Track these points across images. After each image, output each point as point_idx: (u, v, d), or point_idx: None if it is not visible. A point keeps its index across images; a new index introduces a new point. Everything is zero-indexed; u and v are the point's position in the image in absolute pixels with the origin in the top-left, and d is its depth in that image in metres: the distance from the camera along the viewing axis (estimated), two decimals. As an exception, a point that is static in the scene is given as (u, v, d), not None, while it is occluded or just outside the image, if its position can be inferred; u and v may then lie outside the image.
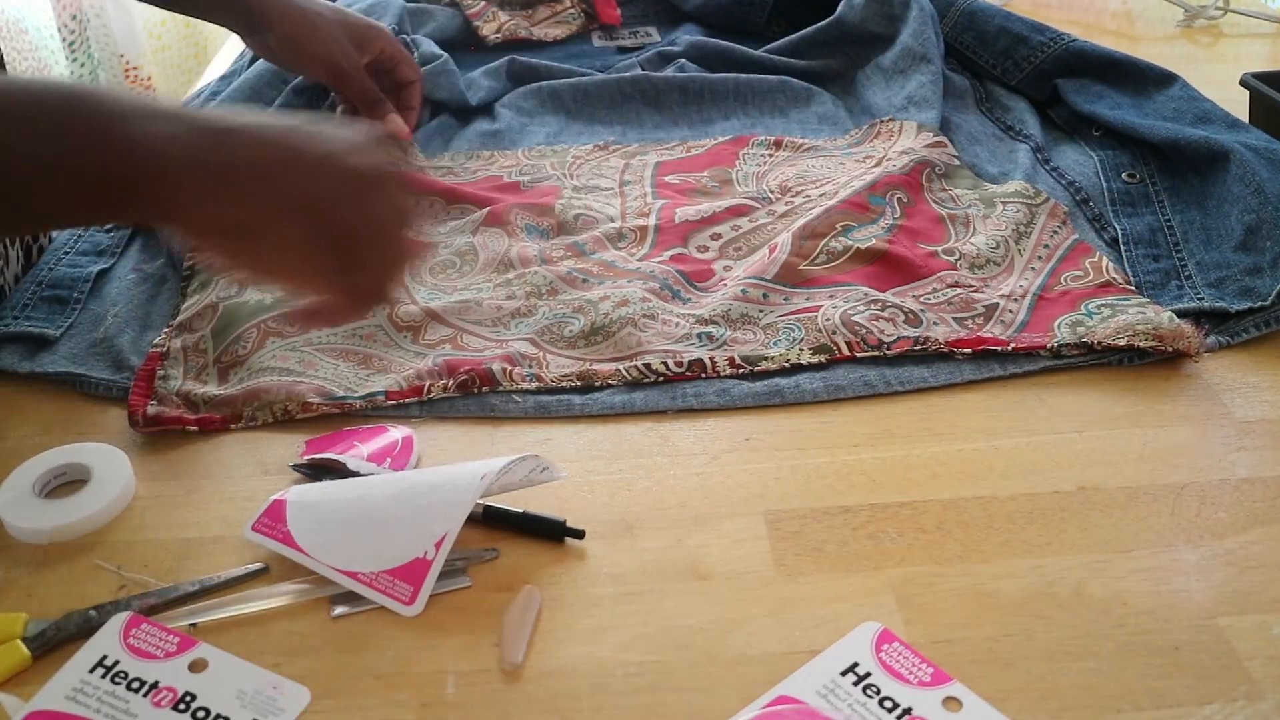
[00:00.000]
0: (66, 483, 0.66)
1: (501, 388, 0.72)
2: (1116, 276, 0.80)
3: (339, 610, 0.57)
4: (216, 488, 0.66)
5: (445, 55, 1.10)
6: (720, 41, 1.17)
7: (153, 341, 0.78)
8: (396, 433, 0.69)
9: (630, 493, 0.65)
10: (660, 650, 0.55)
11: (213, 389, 0.73)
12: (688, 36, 1.19)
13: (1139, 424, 0.69)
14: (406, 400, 0.72)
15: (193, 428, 0.71)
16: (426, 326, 0.78)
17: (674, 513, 0.63)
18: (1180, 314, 0.77)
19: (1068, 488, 0.64)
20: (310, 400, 0.72)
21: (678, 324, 0.77)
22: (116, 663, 0.54)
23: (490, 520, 0.62)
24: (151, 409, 0.71)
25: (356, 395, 0.72)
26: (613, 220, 0.90)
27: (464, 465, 0.62)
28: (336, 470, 0.65)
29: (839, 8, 1.14)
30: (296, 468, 0.66)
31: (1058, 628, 0.56)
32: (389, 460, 0.66)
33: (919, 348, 0.74)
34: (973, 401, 0.72)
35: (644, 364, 0.74)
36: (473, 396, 0.72)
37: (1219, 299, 0.78)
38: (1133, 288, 0.80)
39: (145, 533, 0.63)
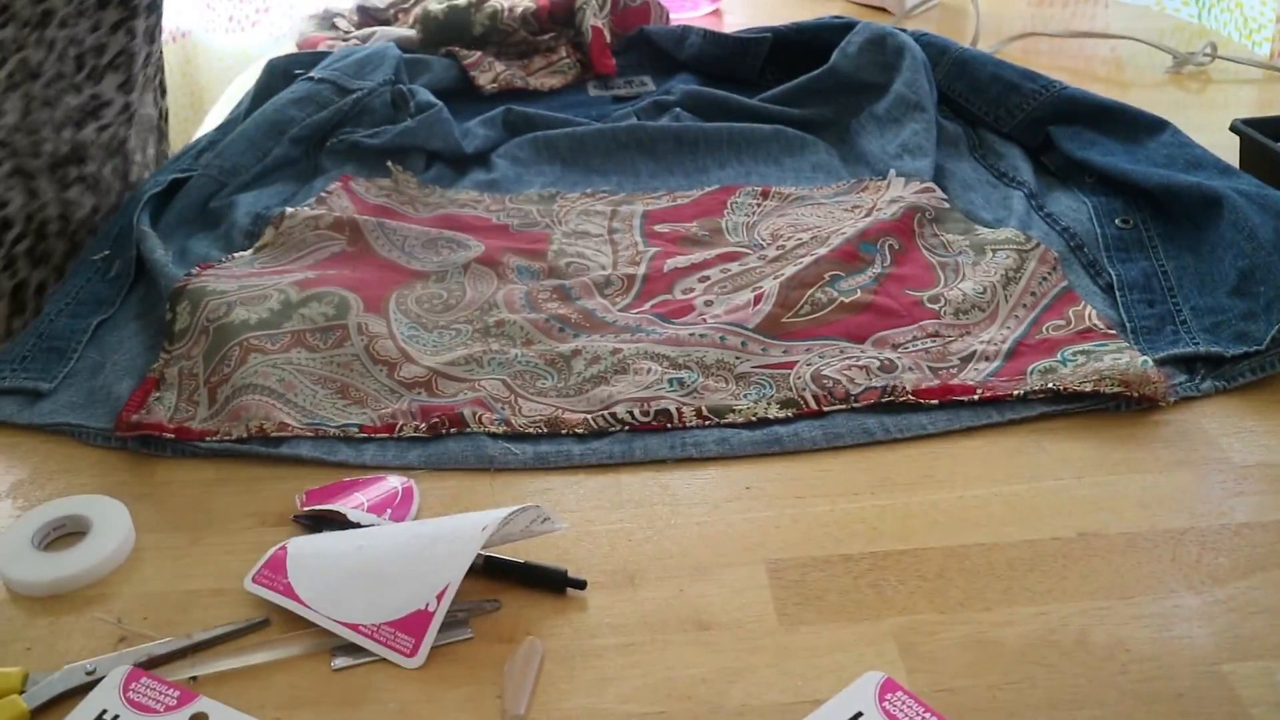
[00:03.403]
0: (65, 534, 0.66)
1: (470, 429, 0.73)
2: (1098, 323, 0.81)
3: (340, 662, 0.57)
4: (216, 539, 0.66)
5: (441, 104, 1.11)
6: (715, 91, 1.18)
7: (149, 366, 0.80)
8: (396, 483, 0.69)
9: (631, 542, 0.65)
10: (663, 701, 0.55)
11: (203, 410, 0.75)
12: (682, 85, 1.20)
13: (1138, 470, 0.70)
14: (379, 435, 0.73)
15: (170, 435, 0.73)
16: (401, 365, 0.79)
17: (675, 562, 0.63)
18: (1175, 359, 0.77)
19: (1068, 534, 0.64)
20: (286, 421, 0.73)
21: (649, 369, 0.78)
22: (116, 717, 0.54)
23: (491, 571, 0.62)
24: (133, 418, 0.74)
25: (333, 424, 0.74)
26: (604, 268, 0.90)
27: (465, 516, 0.62)
28: (337, 521, 0.65)
29: (832, 57, 1.15)
30: (297, 519, 0.66)
31: (1060, 676, 0.55)
32: (389, 511, 0.66)
33: (887, 398, 0.75)
34: (972, 448, 0.72)
35: (610, 413, 0.74)
36: (466, 438, 0.73)
37: (1214, 344, 0.79)
38: (1113, 333, 0.80)
39: (145, 585, 0.63)
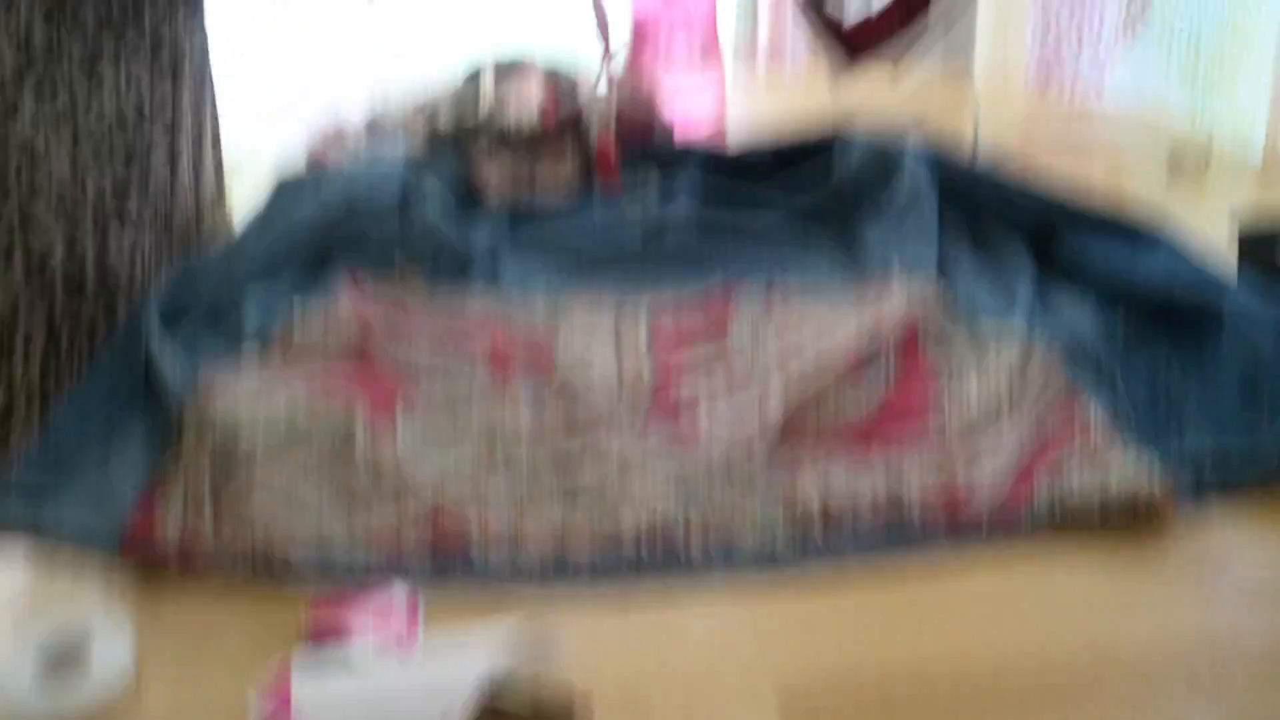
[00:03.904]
0: (65, 655, 0.65)
1: (475, 546, 0.73)
2: (1101, 426, 0.81)
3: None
4: (220, 661, 0.65)
5: (448, 208, 1.12)
6: (718, 190, 1.19)
7: (156, 471, 0.80)
8: (401, 596, 0.68)
9: (637, 670, 0.64)
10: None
11: (208, 521, 0.75)
12: (685, 193, 1.21)
13: (1148, 584, 0.69)
14: (384, 549, 0.73)
15: (174, 562, 0.72)
16: (407, 477, 0.79)
17: (682, 691, 0.63)
18: (1181, 467, 0.77)
19: (1080, 655, 0.64)
20: (291, 534, 0.73)
21: (655, 487, 0.78)
22: None
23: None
24: (140, 536, 0.74)
25: (338, 537, 0.74)
26: (608, 373, 0.90)
27: (469, 650, 0.61)
28: (344, 651, 0.64)
29: (835, 155, 1.17)
30: (300, 657, 0.65)
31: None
32: (395, 627, 0.65)
33: (895, 519, 0.75)
34: (981, 570, 0.71)
35: (617, 533, 0.74)
36: (472, 555, 0.73)
37: (1218, 449, 0.79)
38: (1117, 436, 0.80)
39: (144, 717, 0.62)
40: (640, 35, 1.53)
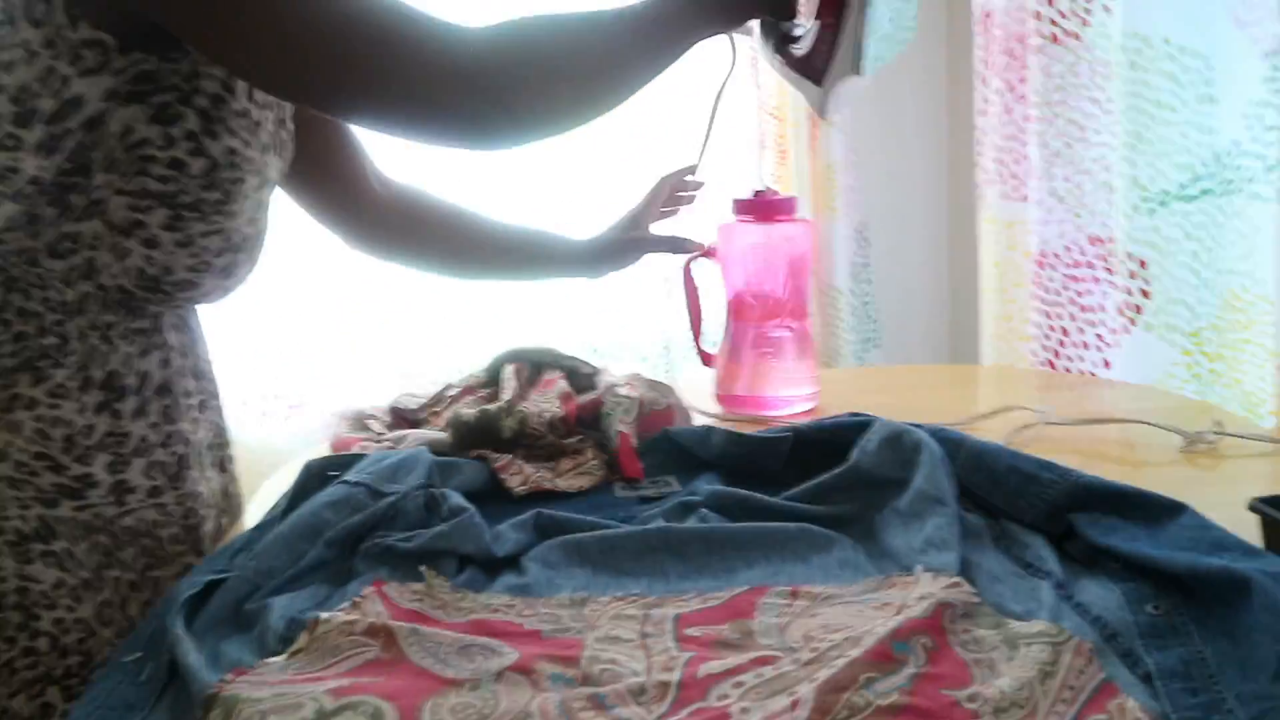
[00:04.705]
0: None
1: None
2: (1142, 716, 0.80)
3: None
4: None
5: (472, 509, 1.14)
6: (739, 491, 1.21)
7: None
8: None
9: None
10: None
11: None
12: (707, 486, 1.24)
13: None
14: None
15: None
16: None
17: None
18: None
19: None
20: None
21: None
22: None
23: None
24: None
25: None
26: (637, 674, 0.90)
27: None
28: None
29: (852, 454, 1.19)
30: None
31: None
32: None
33: None
34: None
35: None
36: None
37: (1263, 750, 0.77)
38: None
39: None
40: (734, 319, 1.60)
